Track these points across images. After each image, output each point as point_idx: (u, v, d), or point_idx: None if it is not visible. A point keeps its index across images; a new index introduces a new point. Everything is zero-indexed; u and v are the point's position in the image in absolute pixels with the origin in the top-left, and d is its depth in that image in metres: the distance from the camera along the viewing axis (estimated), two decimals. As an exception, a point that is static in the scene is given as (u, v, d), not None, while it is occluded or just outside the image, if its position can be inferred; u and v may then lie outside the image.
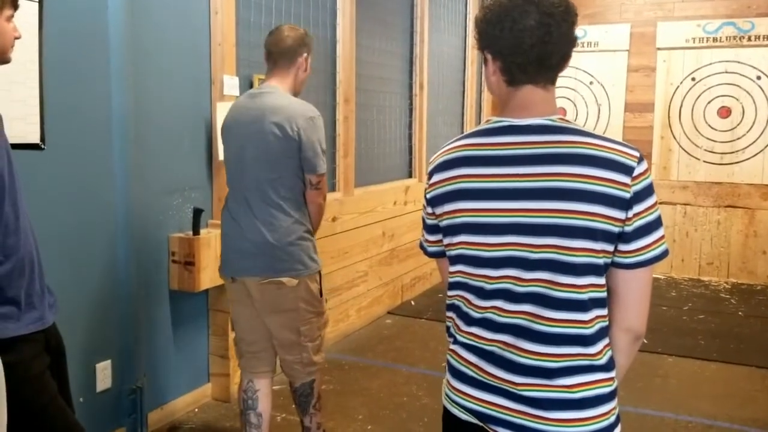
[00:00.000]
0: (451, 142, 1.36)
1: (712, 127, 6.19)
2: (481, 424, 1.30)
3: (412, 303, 5.24)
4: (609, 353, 1.27)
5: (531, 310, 1.23)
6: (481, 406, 1.29)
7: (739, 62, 6.06)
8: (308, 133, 2.41)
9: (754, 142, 6.06)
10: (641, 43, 6.38)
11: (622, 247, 1.23)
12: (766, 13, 5.95)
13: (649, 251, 1.23)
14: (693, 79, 6.23)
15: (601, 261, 1.22)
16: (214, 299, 3.35)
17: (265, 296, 2.49)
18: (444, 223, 1.33)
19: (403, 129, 5.25)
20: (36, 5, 2.40)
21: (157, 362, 3.11)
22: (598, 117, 6.56)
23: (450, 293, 1.36)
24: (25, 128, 2.41)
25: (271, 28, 3.61)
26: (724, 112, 6.15)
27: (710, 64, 6.16)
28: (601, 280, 1.24)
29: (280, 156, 2.41)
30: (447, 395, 1.37)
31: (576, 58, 7.26)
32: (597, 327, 1.24)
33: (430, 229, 1.40)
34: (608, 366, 1.27)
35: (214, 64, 3.25)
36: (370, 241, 4.64)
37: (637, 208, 1.21)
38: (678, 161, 6.31)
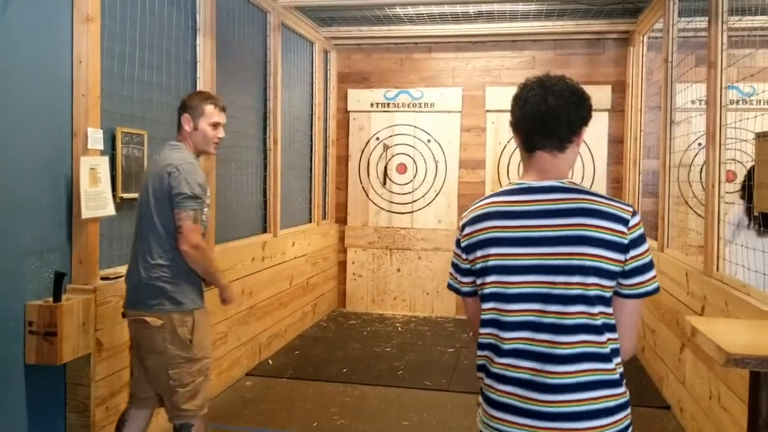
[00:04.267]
0: (481, 201, 1.63)
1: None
2: None
3: (270, 362, 5.07)
4: (620, 370, 1.53)
5: (549, 338, 1.48)
6: (520, 429, 1.50)
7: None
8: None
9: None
10: (472, 105, 6.86)
11: (623, 281, 1.53)
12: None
13: (642, 287, 1.53)
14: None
15: (608, 294, 1.52)
16: (73, 372, 3.02)
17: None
18: (477, 266, 1.58)
19: (258, 183, 5.17)
20: None
21: (7, 448, 2.73)
22: (436, 173, 6.90)
23: (482, 331, 1.59)
24: None
25: (136, 78, 3.47)
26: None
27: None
28: (610, 309, 1.53)
29: None
30: (487, 424, 1.57)
31: (415, 117, 7.53)
32: (610, 348, 1.51)
33: (464, 272, 1.65)
34: (620, 381, 1.52)
35: (77, 115, 3.01)
36: (231, 300, 4.45)
37: (633, 252, 1.50)
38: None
